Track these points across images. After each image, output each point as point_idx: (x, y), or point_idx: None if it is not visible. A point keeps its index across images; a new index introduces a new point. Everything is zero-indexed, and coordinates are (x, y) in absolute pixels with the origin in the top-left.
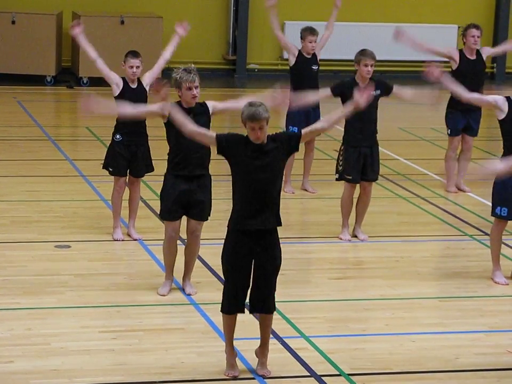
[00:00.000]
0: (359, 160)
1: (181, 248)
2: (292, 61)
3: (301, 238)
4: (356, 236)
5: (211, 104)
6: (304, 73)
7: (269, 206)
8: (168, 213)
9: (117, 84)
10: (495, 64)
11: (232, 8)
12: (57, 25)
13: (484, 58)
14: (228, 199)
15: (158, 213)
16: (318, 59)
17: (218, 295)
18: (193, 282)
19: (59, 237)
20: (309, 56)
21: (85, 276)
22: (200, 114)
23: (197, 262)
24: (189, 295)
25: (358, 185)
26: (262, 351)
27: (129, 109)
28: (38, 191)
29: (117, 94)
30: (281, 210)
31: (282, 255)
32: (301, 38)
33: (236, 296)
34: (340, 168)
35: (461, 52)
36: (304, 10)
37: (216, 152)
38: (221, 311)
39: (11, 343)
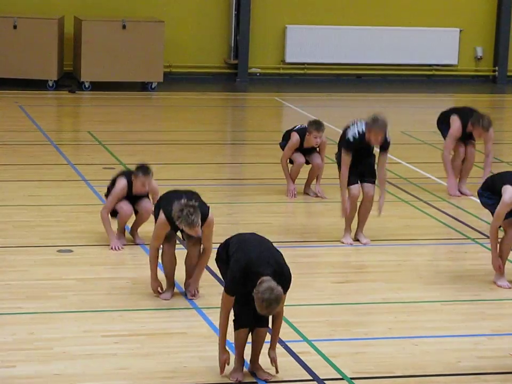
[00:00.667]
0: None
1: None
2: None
3: (303, 242)
4: (358, 240)
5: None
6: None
7: None
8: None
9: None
10: (496, 67)
11: (233, 12)
12: (59, 30)
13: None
14: (228, 203)
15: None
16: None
17: (220, 300)
18: None
19: (61, 241)
20: (309, 147)
21: (87, 280)
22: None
23: None
24: (191, 299)
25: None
26: (256, 363)
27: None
28: (40, 196)
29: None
30: (283, 214)
31: (285, 259)
32: (307, 130)
33: (249, 309)
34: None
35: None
36: (306, 14)
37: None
38: (237, 327)
39: (14, 348)
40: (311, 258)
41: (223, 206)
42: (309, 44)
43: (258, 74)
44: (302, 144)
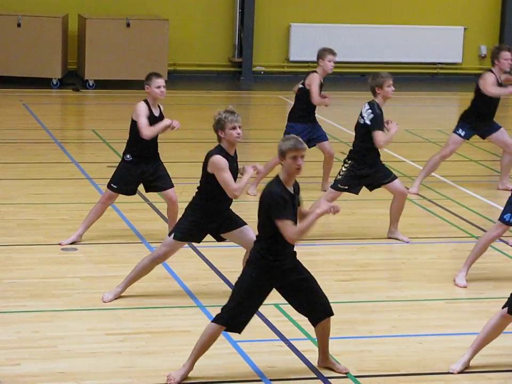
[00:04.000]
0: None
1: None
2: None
3: (308, 240)
4: (394, 238)
5: None
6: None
7: None
8: None
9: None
10: None
11: (237, 10)
12: (63, 28)
13: None
14: (233, 201)
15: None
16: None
17: (224, 299)
18: (200, 285)
19: (66, 239)
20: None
21: (91, 278)
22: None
23: (204, 265)
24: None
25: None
26: (327, 359)
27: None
28: (44, 194)
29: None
30: None
31: None
32: (320, 58)
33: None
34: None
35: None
36: (310, 12)
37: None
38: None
39: (18, 346)
40: (315, 257)
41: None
42: (313, 42)
43: (262, 72)
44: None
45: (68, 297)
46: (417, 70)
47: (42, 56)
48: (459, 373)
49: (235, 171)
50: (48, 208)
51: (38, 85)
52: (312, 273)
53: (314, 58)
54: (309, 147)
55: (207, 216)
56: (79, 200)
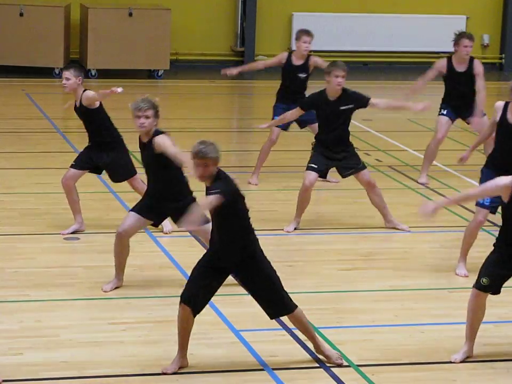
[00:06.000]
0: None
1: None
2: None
3: (310, 229)
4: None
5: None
6: (289, 79)
7: None
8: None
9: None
10: (503, 55)
11: None
12: (65, 18)
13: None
14: None
15: None
16: (310, 68)
17: (227, 287)
18: None
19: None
20: (298, 64)
21: (94, 267)
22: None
23: None
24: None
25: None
26: (317, 347)
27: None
28: (46, 183)
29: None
30: (289, 201)
31: (291, 247)
32: (296, 39)
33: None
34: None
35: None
36: (312, 2)
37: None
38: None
39: (21, 335)
40: (318, 246)
41: None
42: (315, 32)
43: None
44: (290, 62)
45: (71, 286)
46: (420, 59)
47: (45, 45)
48: (461, 362)
49: (144, 159)
50: (51, 198)
51: (40, 74)
52: (314, 262)
53: (317, 48)
54: (301, 128)
55: (156, 196)
56: (81, 190)
